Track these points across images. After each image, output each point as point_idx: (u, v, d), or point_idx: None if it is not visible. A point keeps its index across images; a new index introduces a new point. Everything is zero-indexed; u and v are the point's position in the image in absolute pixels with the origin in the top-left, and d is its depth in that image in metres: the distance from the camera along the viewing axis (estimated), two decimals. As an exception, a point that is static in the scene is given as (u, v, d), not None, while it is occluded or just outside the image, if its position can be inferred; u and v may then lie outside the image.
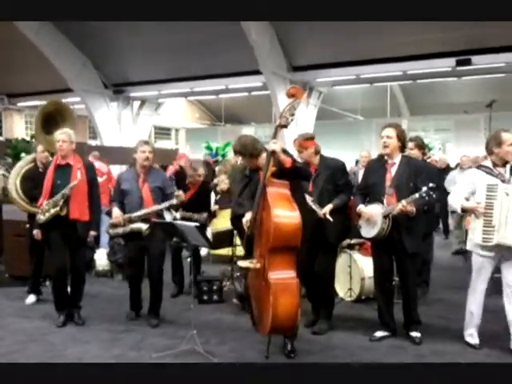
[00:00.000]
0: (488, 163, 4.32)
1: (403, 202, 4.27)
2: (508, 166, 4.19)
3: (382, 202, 4.48)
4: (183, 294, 6.23)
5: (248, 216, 4.18)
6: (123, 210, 5.08)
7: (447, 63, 12.89)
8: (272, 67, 14.33)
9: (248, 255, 4.19)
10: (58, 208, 4.85)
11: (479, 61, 12.50)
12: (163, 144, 25.63)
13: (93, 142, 20.54)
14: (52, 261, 5.10)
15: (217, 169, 9.74)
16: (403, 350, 4.40)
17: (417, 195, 4.23)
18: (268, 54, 14.11)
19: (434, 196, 4.23)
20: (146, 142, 5.17)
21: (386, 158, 4.58)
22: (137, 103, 19.72)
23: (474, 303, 4.39)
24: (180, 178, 6.65)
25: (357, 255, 5.78)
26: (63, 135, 4.96)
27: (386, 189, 4.48)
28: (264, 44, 13.88)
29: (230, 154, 14.97)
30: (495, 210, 4.07)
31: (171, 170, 8.43)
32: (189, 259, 6.92)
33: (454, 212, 9.04)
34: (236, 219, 5.46)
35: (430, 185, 4.21)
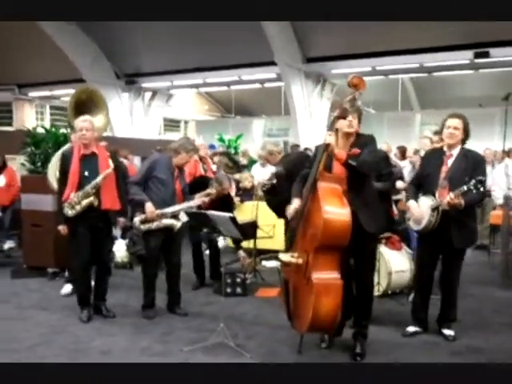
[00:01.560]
0: None
1: (451, 194, 4.11)
2: None
3: (434, 195, 4.33)
4: (204, 287, 6.17)
5: (295, 203, 3.92)
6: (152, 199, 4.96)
7: (465, 56, 12.74)
8: (286, 59, 14.22)
9: (290, 247, 4.03)
10: (91, 198, 4.71)
11: (497, 53, 12.34)
12: (172, 136, 25.55)
13: (104, 133, 20.46)
14: (78, 254, 4.88)
15: (216, 159, 9.45)
16: (438, 347, 4.31)
17: (464, 187, 4.06)
18: (283, 45, 13.99)
19: (482, 190, 4.06)
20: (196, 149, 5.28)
21: (444, 149, 4.42)
22: (148, 94, 19.66)
23: None
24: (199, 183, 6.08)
25: (384, 249, 5.67)
26: (86, 123, 4.77)
27: (439, 181, 4.33)
28: (279, 35, 13.75)
29: (242, 147, 14.86)
30: None
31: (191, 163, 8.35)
32: (207, 251, 6.91)
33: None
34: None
35: (478, 178, 4.04)
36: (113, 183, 4.86)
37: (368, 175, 3.91)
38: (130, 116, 19.04)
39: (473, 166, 4.27)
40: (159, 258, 5.19)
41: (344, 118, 3.69)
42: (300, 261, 3.74)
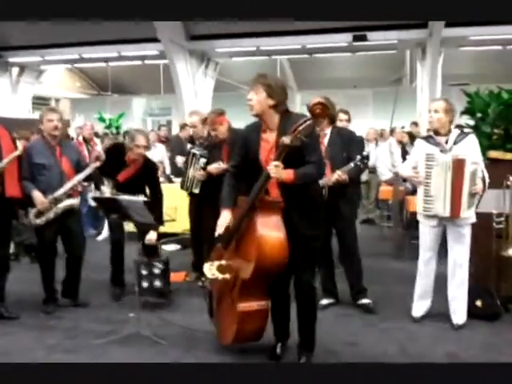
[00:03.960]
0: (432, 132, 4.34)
1: (338, 172, 4.37)
2: (452, 135, 4.13)
3: None
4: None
5: (224, 218, 3.41)
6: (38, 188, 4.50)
7: (344, 38, 13.26)
8: (169, 35, 13.80)
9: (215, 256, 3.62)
10: None
11: (374, 37, 13.01)
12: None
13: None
14: None
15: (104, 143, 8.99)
16: (352, 318, 4.48)
17: (351, 164, 4.40)
18: (165, 21, 13.52)
19: (367, 164, 4.40)
20: (53, 109, 4.65)
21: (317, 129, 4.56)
22: (16, 70, 18.09)
23: (424, 278, 4.34)
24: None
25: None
26: None
27: None
28: (161, 10, 13.27)
29: (126, 126, 14.28)
30: (432, 180, 4.06)
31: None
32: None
33: (359, 183, 9.39)
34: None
35: (364, 153, 4.44)
36: (16, 169, 4.37)
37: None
38: (-4, 93, 17.44)
39: (348, 142, 4.58)
40: (55, 248, 4.78)
41: (294, 148, 3.08)
42: (227, 276, 3.40)
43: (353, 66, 20.05)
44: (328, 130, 4.56)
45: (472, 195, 4.02)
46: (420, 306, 4.41)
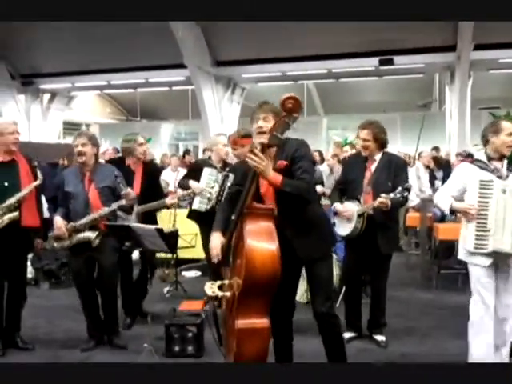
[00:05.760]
0: (482, 157, 3.73)
1: (383, 195, 4.06)
2: (505, 162, 3.63)
3: (358, 200, 4.31)
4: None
5: (215, 240, 3.32)
6: (68, 217, 4.33)
7: (370, 62, 13.16)
8: (196, 61, 13.95)
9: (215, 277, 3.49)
10: (15, 214, 4.08)
11: (401, 61, 12.88)
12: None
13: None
14: None
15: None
16: (372, 353, 4.25)
17: (391, 195, 4.07)
18: (192, 47, 13.70)
19: (408, 196, 4.14)
20: (79, 134, 4.42)
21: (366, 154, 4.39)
22: (47, 96, 18.52)
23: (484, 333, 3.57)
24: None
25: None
26: (15, 125, 4.20)
27: (363, 187, 4.30)
28: (188, 37, 13.45)
29: (153, 151, 14.37)
30: (490, 211, 3.44)
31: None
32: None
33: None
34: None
35: (405, 185, 4.08)
36: (34, 197, 4.30)
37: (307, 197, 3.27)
38: (27, 120, 17.82)
39: (395, 171, 4.29)
40: (91, 277, 4.50)
41: (272, 146, 3.07)
42: (228, 294, 3.23)
43: (380, 90, 19.90)
44: (377, 156, 4.32)
45: None
46: None
